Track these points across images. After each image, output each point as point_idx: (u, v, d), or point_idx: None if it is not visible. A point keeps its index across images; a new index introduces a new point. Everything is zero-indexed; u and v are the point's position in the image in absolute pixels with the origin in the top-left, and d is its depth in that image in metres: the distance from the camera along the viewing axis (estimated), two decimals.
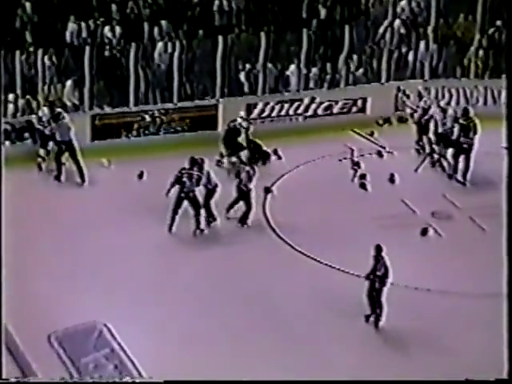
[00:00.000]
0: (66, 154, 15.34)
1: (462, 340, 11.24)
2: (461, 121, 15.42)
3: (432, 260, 13.08)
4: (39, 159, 15.65)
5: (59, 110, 15.54)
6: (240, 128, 15.86)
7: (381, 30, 17.98)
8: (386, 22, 18.03)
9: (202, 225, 13.59)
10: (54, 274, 12.33)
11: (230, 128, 15.85)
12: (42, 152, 15.66)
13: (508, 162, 10.79)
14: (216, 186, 13.67)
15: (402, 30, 18.02)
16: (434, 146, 15.91)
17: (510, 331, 9.23)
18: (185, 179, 13.44)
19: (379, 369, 10.75)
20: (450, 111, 16.07)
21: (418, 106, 16.41)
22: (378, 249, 11.61)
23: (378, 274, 11.52)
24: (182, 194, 13.44)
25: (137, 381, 10.36)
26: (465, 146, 15.37)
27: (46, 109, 15.80)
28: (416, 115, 16.34)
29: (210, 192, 13.73)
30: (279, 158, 16.07)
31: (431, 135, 16.01)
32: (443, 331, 11.52)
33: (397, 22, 18.06)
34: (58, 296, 11.79)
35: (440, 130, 15.74)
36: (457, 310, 11.92)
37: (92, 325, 11.28)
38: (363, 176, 15.35)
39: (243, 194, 13.92)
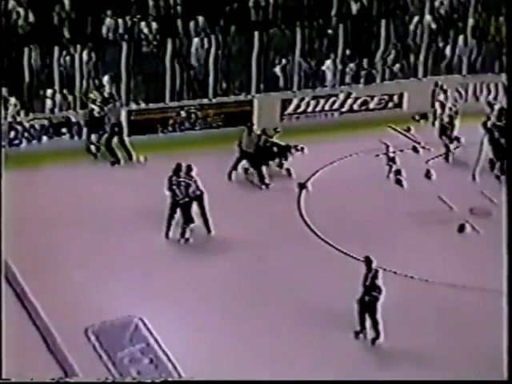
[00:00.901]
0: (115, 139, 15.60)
1: (501, 339, 11.05)
2: (498, 123, 15.23)
3: (469, 257, 12.95)
4: (93, 147, 15.80)
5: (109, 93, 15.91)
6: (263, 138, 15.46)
7: (411, 27, 17.80)
8: (416, 19, 17.85)
9: (188, 234, 13.19)
10: (92, 268, 12.40)
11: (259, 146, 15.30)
12: (93, 138, 15.83)
13: (508, 162, 10.61)
14: (202, 193, 13.22)
15: (433, 26, 17.81)
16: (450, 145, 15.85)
17: (510, 331, 9.05)
18: (174, 187, 13.17)
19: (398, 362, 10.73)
20: (496, 107, 15.84)
21: (442, 111, 15.92)
22: (367, 261, 11.08)
23: (367, 284, 10.98)
24: (175, 202, 13.15)
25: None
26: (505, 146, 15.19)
27: (96, 93, 15.99)
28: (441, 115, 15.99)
29: (199, 199, 13.28)
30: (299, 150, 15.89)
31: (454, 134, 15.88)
32: (482, 329, 11.39)
33: (427, 17, 17.86)
34: (96, 290, 11.86)
35: (489, 125, 15.49)
36: (495, 307, 11.75)
37: (128, 319, 11.33)
38: (399, 172, 15.22)
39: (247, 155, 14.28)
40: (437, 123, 15.76)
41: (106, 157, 15.82)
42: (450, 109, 15.75)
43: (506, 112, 10.07)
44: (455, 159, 16.07)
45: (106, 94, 16.03)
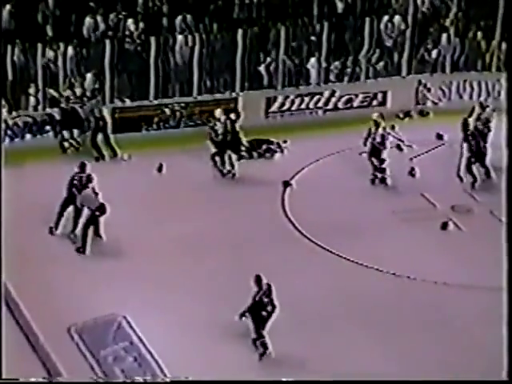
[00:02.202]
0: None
1: (484, 335, 11.09)
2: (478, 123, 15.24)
3: (452, 254, 13.01)
4: (66, 143, 15.79)
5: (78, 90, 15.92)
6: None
7: (382, 26, 17.83)
8: (385, 17, 17.87)
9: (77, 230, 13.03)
10: (75, 267, 12.38)
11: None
12: (66, 135, 15.81)
13: (508, 161, 10.62)
14: (101, 207, 12.81)
15: (403, 26, 17.84)
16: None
17: (510, 331, 9.08)
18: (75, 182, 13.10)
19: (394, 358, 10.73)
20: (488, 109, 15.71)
21: (374, 137, 15.18)
22: (258, 280, 10.88)
23: (256, 300, 10.84)
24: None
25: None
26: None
27: (69, 90, 15.97)
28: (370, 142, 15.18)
29: (92, 215, 12.83)
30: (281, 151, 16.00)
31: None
32: (465, 326, 11.46)
33: (397, 17, 17.89)
34: (78, 289, 11.84)
35: (470, 127, 15.40)
36: (478, 304, 11.83)
37: (111, 317, 11.32)
38: (383, 170, 15.29)
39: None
40: (368, 143, 15.24)
41: (87, 154, 15.77)
42: (384, 128, 15.45)
43: (507, 112, 10.00)
44: (439, 157, 16.14)
45: (78, 92, 15.95)
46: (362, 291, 12.07)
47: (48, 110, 16.11)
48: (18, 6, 16.48)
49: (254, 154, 15.95)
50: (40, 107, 16.10)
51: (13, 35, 16.23)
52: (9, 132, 15.81)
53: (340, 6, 17.95)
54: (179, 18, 17.13)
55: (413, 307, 11.81)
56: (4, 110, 15.77)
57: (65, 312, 11.32)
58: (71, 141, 15.92)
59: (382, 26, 17.81)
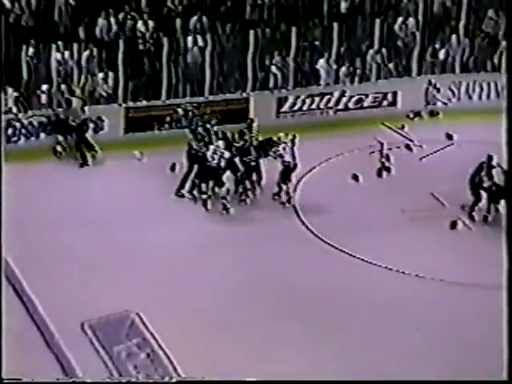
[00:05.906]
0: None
1: (492, 334, 11.13)
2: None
3: (462, 253, 13.07)
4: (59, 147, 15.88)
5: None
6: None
7: (396, 27, 17.89)
8: (400, 20, 17.93)
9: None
10: (88, 263, 12.50)
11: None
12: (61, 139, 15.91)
13: (508, 160, 10.63)
14: None
15: (415, 30, 17.90)
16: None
17: (510, 330, 9.11)
18: None
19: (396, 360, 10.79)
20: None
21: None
22: None
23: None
24: None
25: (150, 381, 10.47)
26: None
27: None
28: None
29: None
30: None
31: None
32: (472, 325, 11.53)
33: (411, 20, 17.95)
34: (92, 285, 11.97)
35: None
36: (487, 303, 11.86)
37: (125, 314, 11.42)
38: (388, 169, 15.27)
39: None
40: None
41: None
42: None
43: (506, 112, 9.92)
44: (449, 156, 16.16)
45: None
46: (371, 289, 12.13)
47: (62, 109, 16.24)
48: (34, 5, 16.67)
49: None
50: (54, 106, 16.26)
51: (27, 34, 16.40)
52: (23, 131, 15.99)
53: (344, 5, 18.00)
54: (194, 18, 17.26)
55: (422, 306, 11.85)
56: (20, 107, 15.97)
57: (79, 308, 11.44)
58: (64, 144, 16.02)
59: (396, 27, 17.89)
